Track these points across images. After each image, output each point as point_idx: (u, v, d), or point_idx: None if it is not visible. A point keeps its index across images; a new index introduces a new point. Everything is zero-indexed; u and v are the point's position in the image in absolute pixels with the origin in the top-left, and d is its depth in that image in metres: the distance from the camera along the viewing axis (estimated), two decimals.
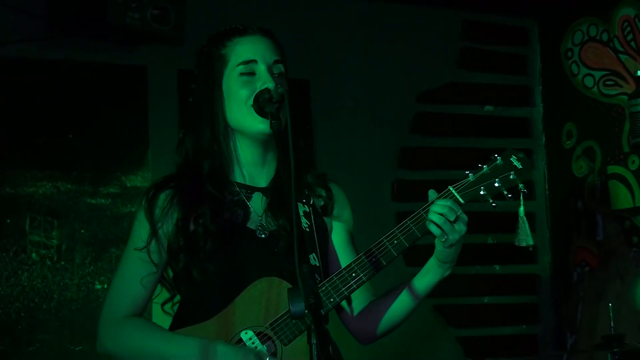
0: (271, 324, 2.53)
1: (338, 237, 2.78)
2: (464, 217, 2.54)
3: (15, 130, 4.25)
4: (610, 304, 4.45)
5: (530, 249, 2.65)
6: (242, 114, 2.63)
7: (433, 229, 2.53)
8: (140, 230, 2.66)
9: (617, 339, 4.30)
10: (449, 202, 2.54)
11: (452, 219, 2.51)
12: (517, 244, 2.65)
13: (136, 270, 2.65)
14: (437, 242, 2.56)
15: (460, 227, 2.53)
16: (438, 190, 2.60)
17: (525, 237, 2.65)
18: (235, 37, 2.69)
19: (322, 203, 2.75)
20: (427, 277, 2.63)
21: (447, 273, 2.62)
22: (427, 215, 2.54)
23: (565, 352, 5.32)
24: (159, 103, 4.51)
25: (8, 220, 4.20)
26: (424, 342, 5.03)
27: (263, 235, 2.65)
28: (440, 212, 2.52)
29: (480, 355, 5.29)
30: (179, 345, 2.55)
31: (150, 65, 4.54)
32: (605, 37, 5.16)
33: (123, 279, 2.68)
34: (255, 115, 2.59)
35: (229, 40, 2.68)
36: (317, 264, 2.62)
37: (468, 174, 2.61)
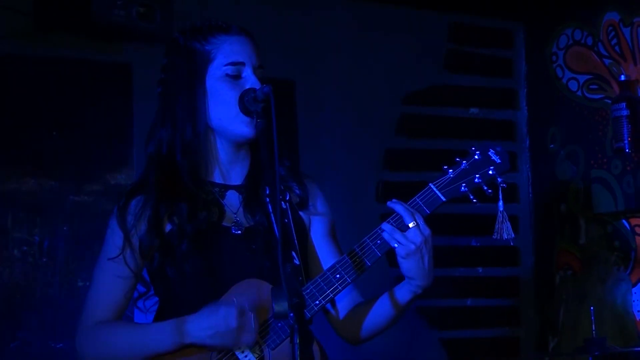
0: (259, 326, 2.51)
1: (317, 232, 2.77)
2: (423, 229, 2.51)
3: None
4: (592, 307, 4.47)
5: (511, 242, 2.62)
6: (228, 116, 2.61)
7: (385, 236, 2.52)
8: (114, 237, 2.65)
9: (599, 342, 4.31)
10: (404, 211, 2.51)
11: (402, 228, 2.50)
12: (495, 236, 2.63)
13: (112, 278, 2.64)
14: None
15: (414, 237, 2.50)
16: (419, 191, 2.59)
17: (504, 231, 2.62)
18: (220, 34, 2.66)
19: (297, 198, 2.73)
20: (401, 291, 2.61)
21: (418, 291, 2.57)
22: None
23: (547, 354, 5.34)
24: (143, 101, 4.49)
25: None
26: (407, 343, 5.03)
27: (239, 232, 2.63)
28: (391, 222, 2.51)
29: (463, 357, 5.30)
30: (152, 333, 2.54)
31: (136, 63, 4.52)
32: (590, 41, 5.18)
33: (98, 289, 2.67)
34: (244, 118, 2.58)
35: (213, 37, 2.66)
36: (297, 263, 2.61)
37: (447, 169, 2.60)
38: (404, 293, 2.59)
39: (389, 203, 2.56)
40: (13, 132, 4.25)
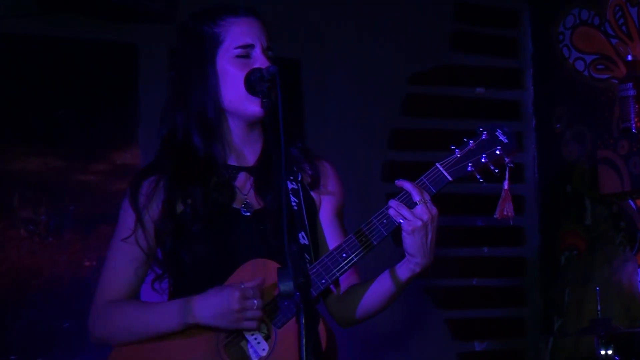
0: (263, 307, 2.51)
1: (325, 212, 2.76)
2: (430, 207, 2.50)
3: (4, 106, 4.23)
4: (597, 288, 4.47)
5: (510, 222, 2.60)
6: (238, 96, 2.62)
7: (392, 212, 2.52)
8: (126, 218, 2.66)
9: (604, 322, 4.32)
10: (412, 188, 2.51)
11: (410, 205, 2.50)
12: (496, 216, 2.62)
13: (125, 259, 2.66)
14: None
15: (421, 213, 2.50)
16: (425, 171, 2.59)
17: (506, 208, 2.60)
18: (228, 17, 2.66)
19: (309, 178, 2.73)
20: (401, 269, 2.60)
21: (417, 269, 2.56)
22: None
23: (552, 335, 5.35)
24: (149, 81, 4.49)
25: None
26: (412, 323, 5.04)
27: (248, 213, 2.64)
28: (399, 199, 2.51)
29: (468, 337, 5.31)
30: (159, 313, 2.56)
31: (141, 43, 4.52)
32: (597, 21, 5.16)
33: (111, 270, 2.69)
34: (251, 97, 2.58)
35: (221, 19, 2.66)
36: (307, 243, 2.62)
37: (454, 149, 2.59)
38: (403, 271, 2.58)
39: (397, 181, 2.55)
40: (19, 112, 4.26)
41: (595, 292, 4.46)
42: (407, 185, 2.54)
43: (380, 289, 2.65)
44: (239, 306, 2.44)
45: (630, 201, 4.98)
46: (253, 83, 2.55)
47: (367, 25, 5.15)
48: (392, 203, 2.53)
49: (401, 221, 2.50)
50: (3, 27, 4.21)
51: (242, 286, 2.46)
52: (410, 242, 2.51)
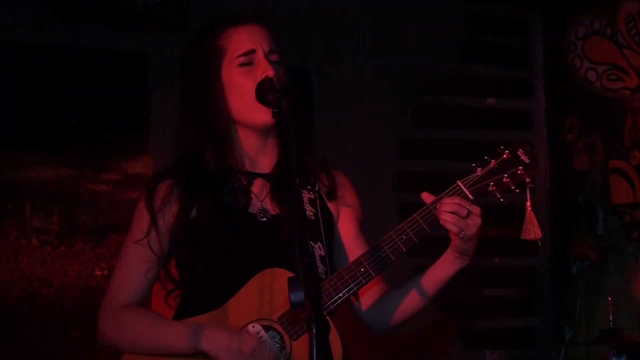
0: (279, 318, 2.52)
1: (345, 224, 2.76)
2: (476, 209, 2.53)
3: (17, 115, 4.25)
4: (609, 298, 4.45)
5: (539, 243, 2.62)
6: (246, 105, 2.62)
7: (450, 227, 2.51)
8: (141, 220, 2.66)
9: (616, 332, 4.30)
10: (456, 199, 2.51)
11: (464, 214, 2.50)
12: (523, 237, 2.63)
13: (136, 261, 2.66)
14: (453, 237, 2.55)
15: (475, 220, 2.52)
16: (441, 182, 2.58)
17: (533, 231, 2.62)
18: (229, 28, 2.68)
19: (325, 189, 2.73)
20: (444, 267, 2.64)
21: (466, 263, 2.64)
22: (436, 212, 2.52)
23: (564, 345, 5.33)
24: (160, 90, 4.50)
25: (9, 205, 4.21)
26: (423, 333, 5.03)
27: (264, 219, 2.64)
28: (452, 211, 2.50)
29: (479, 347, 5.30)
30: (172, 335, 2.55)
31: (153, 52, 4.53)
32: (608, 31, 5.15)
33: (123, 270, 2.69)
34: (259, 106, 2.58)
35: (223, 32, 2.67)
36: (323, 254, 2.61)
37: (475, 167, 2.58)
38: (448, 267, 2.64)
39: (426, 197, 2.57)
40: (31, 121, 4.27)
41: (607, 302, 4.44)
42: (453, 200, 2.54)
43: (422, 292, 2.68)
44: (251, 352, 2.46)
45: None
46: (264, 93, 2.55)
47: (378, 36, 5.15)
48: (447, 217, 2.52)
49: (459, 232, 2.52)
50: (17, 37, 4.23)
51: (254, 333, 2.49)
52: (467, 246, 2.57)
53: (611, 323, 4.37)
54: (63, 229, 4.29)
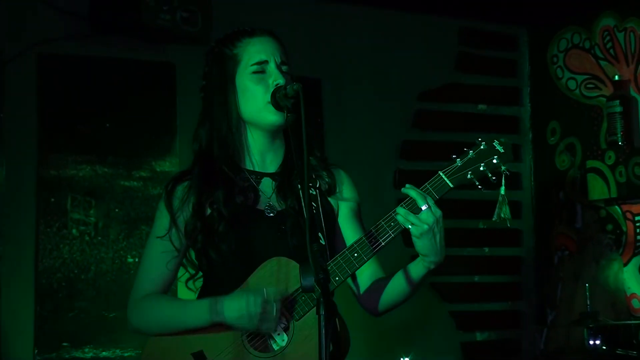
0: (282, 301, 2.52)
1: (344, 217, 2.76)
2: (435, 210, 2.48)
3: (59, 119, 4.26)
4: (587, 285, 4.46)
5: (508, 224, 2.57)
6: (257, 107, 2.63)
7: (400, 219, 2.50)
8: (162, 219, 2.67)
9: (592, 315, 4.31)
10: (417, 195, 2.49)
11: (415, 211, 2.48)
12: (495, 218, 2.58)
13: (159, 255, 2.66)
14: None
15: (426, 218, 2.47)
16: (430, 178, 2.58)
17: (503, 211, 2.57)
18: (245, 38, 2.68)
19: (326, 185, 2.74)
20: (416, 267, 2.59)
21: (431, 266, 2.54)
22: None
23: (546, 326, 5.33)
24: (186, 97, 4.51)
25: (52, 200, 4.22)
26: (420, 315, 5.04)
27: (272, 214, 2.64)
28: (404, 205, 2.50)
29: (470, 328, 5.30)
30: (190, 310, 2.57)
31: (179, 63, 4.54)
32: (587, 44, 5.15)
33: (147, 264, 2.70)
34: (271, 108, 2.59)
35: (239, 41, 2.68)
36: (323, 244, 2.61)
37: (455, 158, 2.57)
38: (418, 269, 2.57)
39: (403, 189, 2.55)
40: (71, 124, 4.29)
41: (584, 288, 4.45)
42: (412, 193, 2.52)
43: (399, 285, 2.64)
44: (260, 310, 2.46)
45: (616, 206, 4.97)
46: (278, 99, 2.57)
47: (381, 48, 5.16)
48: (400, 210, 2.52)
49: (409, 226, 2.50)
50: (60, 49, 4.24)
51: (265, 291, 2.48)
52: (421, 244, 2.50)
53: (588, 307, 4.39)
54: (99, 220, 4.30)
